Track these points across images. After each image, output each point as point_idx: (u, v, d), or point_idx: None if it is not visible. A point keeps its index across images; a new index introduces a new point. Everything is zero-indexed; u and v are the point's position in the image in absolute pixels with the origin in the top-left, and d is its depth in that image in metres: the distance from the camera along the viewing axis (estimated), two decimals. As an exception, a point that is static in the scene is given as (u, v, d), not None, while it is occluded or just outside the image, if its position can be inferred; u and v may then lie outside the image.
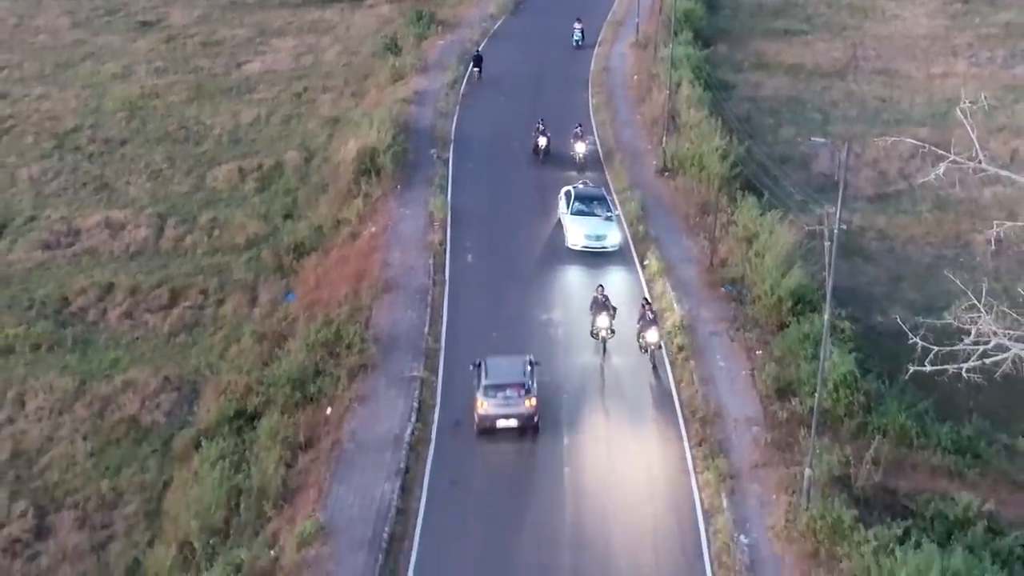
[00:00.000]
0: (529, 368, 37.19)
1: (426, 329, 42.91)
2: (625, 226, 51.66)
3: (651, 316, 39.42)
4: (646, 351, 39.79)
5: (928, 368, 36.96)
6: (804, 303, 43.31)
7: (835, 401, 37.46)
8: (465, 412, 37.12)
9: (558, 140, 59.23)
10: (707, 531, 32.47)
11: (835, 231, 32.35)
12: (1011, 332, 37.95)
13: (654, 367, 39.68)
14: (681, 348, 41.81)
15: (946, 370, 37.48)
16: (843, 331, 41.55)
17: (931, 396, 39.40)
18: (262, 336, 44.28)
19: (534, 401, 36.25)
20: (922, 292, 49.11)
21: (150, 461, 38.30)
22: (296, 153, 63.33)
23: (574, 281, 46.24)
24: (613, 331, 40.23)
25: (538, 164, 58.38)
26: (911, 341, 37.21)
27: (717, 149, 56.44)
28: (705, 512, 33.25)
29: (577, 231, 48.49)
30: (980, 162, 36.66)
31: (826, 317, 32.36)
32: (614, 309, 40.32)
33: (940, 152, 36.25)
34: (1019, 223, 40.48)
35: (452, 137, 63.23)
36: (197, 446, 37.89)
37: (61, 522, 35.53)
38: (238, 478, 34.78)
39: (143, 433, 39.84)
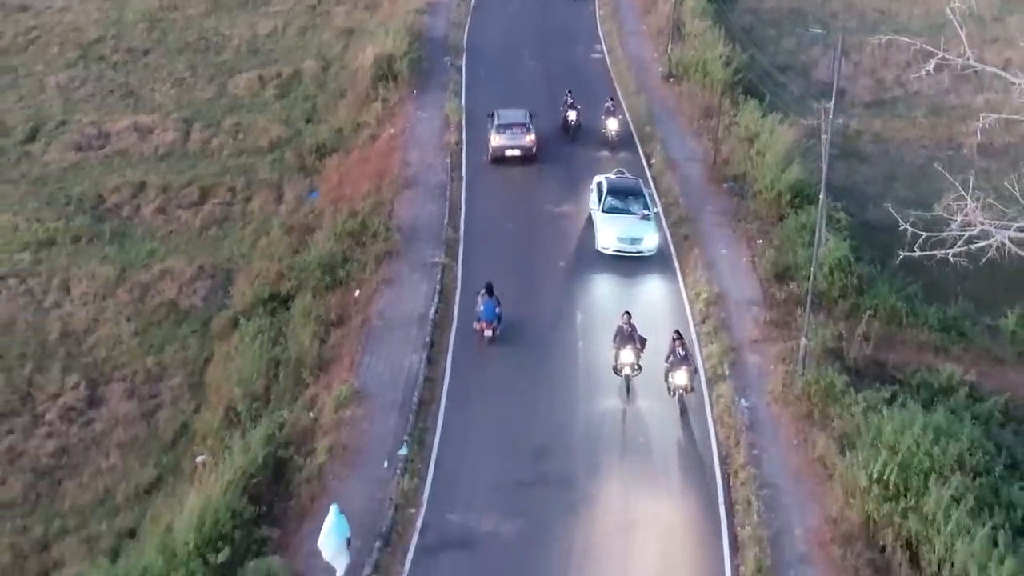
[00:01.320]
0: (529, 116, 50.32)
1: (445, 221, 45.30)
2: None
3: (682, 353, 32.95)
4: (674, 394, 33.64)
5: (917, 253, 39.38)
6: (802, 197, 45.68)
7: (830, 283, 39.90)
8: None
9: (583, 100, 54.11)
10: (710, 396, 34.90)
11: (831, 118, 34.45)
12: (996, 222, 40.41)
13: (682, 412, 33.64)
14: (686, 237, 44.27)
15: (934, 255, 39.88)
16: (839, 221, 43.97)
17: (919, 281, 41.79)
18: (290, 228, 46.63)
19: (533, 137, 49.88)
20: (914, 190, 51.35)
21: (190, 340, 40.67)
22: (313, 62, 65.32)
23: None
24: (640, 367, 34.03)
25: (568, 141, 52.56)
26: (901, 228, 39.66)
27: (720, 56, 58.55)
28: (708, 380, 35.72)
29: (608, 232, 41.87)
30: (968, 59, 38.85)
31: (821, 198, 34.78)
32: (643, 340, 34.14)
33: (931, 50, 38.39)
34: (1004, 115, 42.60)
35: (464, 46, 65.38)
36: (234, 326, 40.39)
37: (111, 393, 37.94)
38: (276, 350, 37.30)
39: (182, 315, 42.19)
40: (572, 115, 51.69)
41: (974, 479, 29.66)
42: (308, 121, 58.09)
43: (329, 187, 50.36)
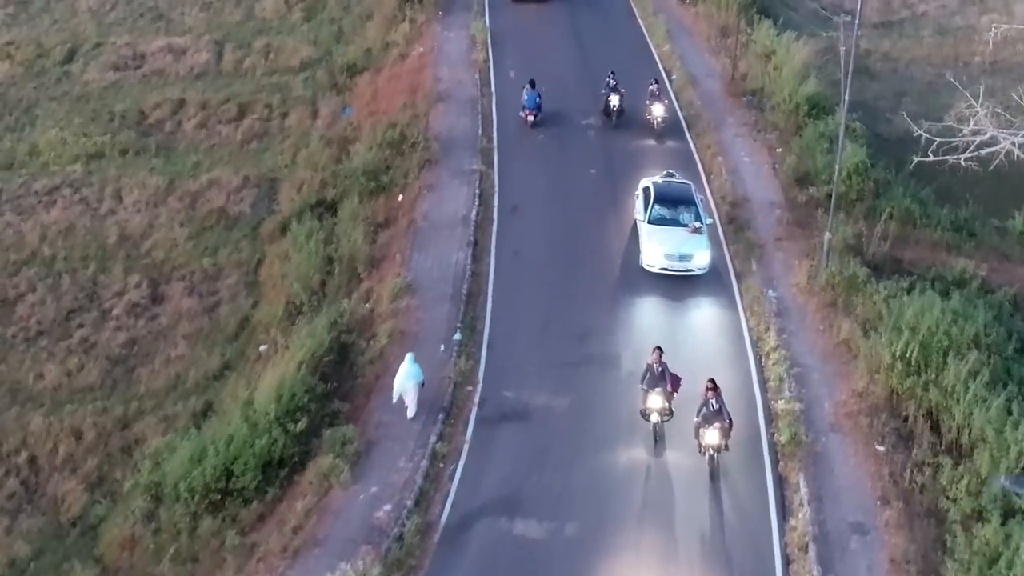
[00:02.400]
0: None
1: (479, 132, 47.36)
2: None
3: (716, 406, 28.16)
4: (704, 453, 28.99)
5: (931, 158, 41.57)
6: (819, 109, 47.83)
7: (848, 186, 42.04)
8: (520, 198, 42.21)
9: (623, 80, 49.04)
10: (739, 287, 37.16)
11: (856, 24, 36.43)
12: (1004, 130, 42.61)
13: (712, 475, 28.64)
14: (709, 146, 46.36)
15: (946, 161, 42.10)
16: (855, 130, 46.07)
17: (931, 186, 44.02)
18: (329, 141, 48.61)
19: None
20: (923, 105, 53.28)
21: (242, 243, 42.76)
22: (337, -15, 66.83)
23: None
24: (671, 412, 29.68)
25: (609, 127, 48.04)
26: (916, 135, 41.81)
27: (735, -23, 60.32)
28: (737, 274, 37.96)
29: (654, 248, 36.44)
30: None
31: (844, 99, 36.96)
32: (676, 380, 29.66)
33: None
34: (1015, 25, 44.59)
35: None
36: (283, 230, 42.50)
37: (172, 291, 40.08)
38: (329, 249, 39.40)
39: (232, 221, 44.25)
40: (615, 99, 46.74)
41: (988, 357, 31.92)
42: (337, 42, 59.77)
43: (363, 103, 52.23)
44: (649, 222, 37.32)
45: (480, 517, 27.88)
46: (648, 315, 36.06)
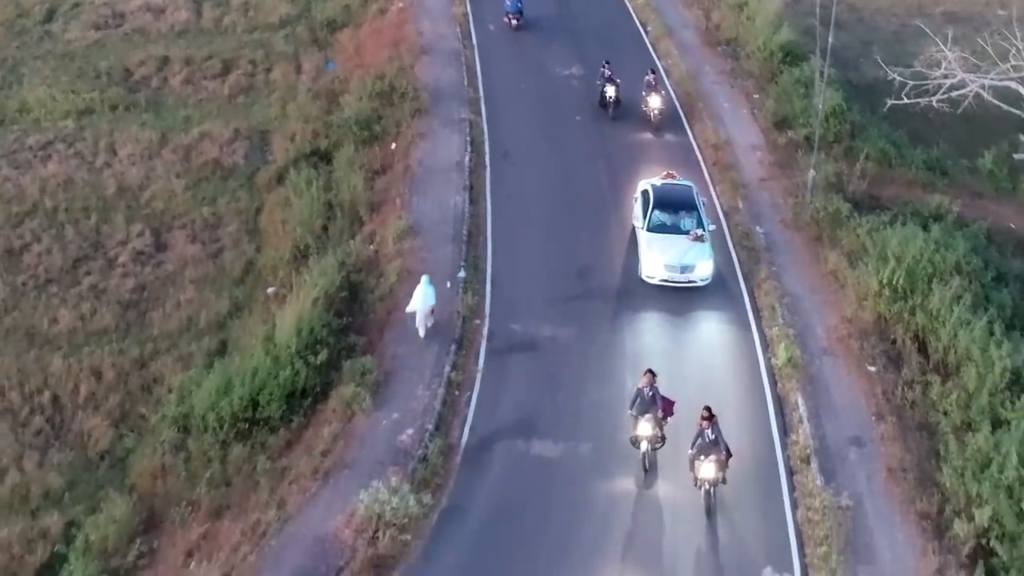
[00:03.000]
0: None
1: (465, 82, 48.49)
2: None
3: (711, 437, 26.04)
4: (700, 487, 26.62)
5: (905, 101, 43.37)
6: (793, 56, 49.27)
7: (826, 129, 43.52)
8: (510, 145, 43.72)
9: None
10: (728, 224, 38.62)
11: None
12: (972, 74, 44.42)
13: (708, 511, 26.57)
14: (688, 93, 47.73)
15: (918, 103, 43.92)
16: (830, 76, 47.47)
17: (904, 128, 45.69)
18: (317, 94, 49.53)
19: None
20: (890, 53, 54.59)
21: (239, 192, 43.66)
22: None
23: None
24: (663, 439, 27.63)
25: (606, 120, 45.76)
26: (889, 79, 43.57)
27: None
28: (725, 212, 39.43)
29: (654, 258, 34.19)
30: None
31: (829, 41, 38.29)
32: (669, 405, 27.66)
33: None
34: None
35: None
36: (279, 179, 43.46)
37: (174, 239, 40.95)
38: (329, 195, 40.44)
39: (227, 172, 45.10)
40: (611, 90, 44.44)
41: (970, 283, 33.60)
42: (314, -2, 60.41)
43: (346, 57, 53.14)
44: (648, 229, 34.84)
45: (498, 439, 29.19)
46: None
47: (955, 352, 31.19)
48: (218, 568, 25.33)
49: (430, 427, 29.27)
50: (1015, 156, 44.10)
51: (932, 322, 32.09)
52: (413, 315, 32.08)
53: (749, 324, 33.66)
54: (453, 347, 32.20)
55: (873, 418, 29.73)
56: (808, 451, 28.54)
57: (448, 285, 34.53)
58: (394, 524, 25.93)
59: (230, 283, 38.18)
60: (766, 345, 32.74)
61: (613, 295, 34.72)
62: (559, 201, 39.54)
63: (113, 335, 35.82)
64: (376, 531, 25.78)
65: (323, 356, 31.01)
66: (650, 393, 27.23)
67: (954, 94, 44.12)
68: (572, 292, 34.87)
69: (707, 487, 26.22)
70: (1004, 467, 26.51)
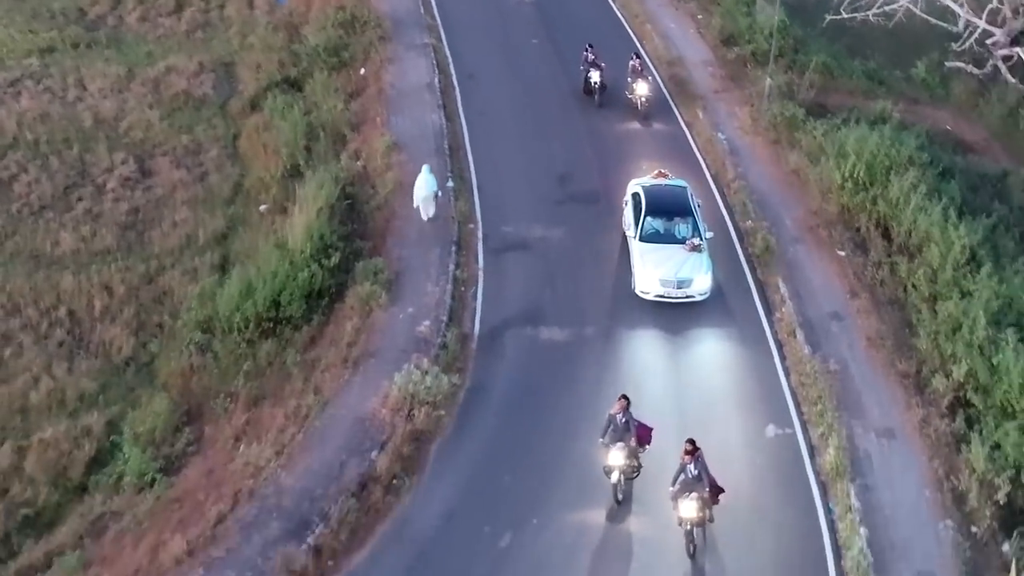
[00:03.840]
0: None
1: (421, 11, 50.17)
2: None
3: (694, 472, 23.67)
4: (682, 526, 23.88)
5: (842, 15, 45.94)
6: (734, -23, 51.46)
7: (770, 45, 45.89)
8: (473, 67, 45.49)
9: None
10: (691, 133, 40.93)
11: None
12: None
13: (691, 553, 23.96)
14: (636, 15, 49.91)
15: (855, 18, 46.49)
16: (771, -6, 49.99)
17: (842, 42, 48.36)
18: (277, 27, 50.63)
19: None
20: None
21: (214, 120, 44.73)
22: None
23: None
24: (638, 467, 25.19)
25: (592, 107, 42.65)
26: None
27: None
28: (687, 122, 41.79)
29: (649, 273, 31.26)
30: None
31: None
32: (645, 432, 25.45)
33: None
34: None
35: None
36: (252, 107, 44.68)
37: (159, 166, 42.03)
38: (310, 117, 41.85)
39: (199, 102, 46.11)
40: (596, 76, 41.55)
41: (923, 174, 36.19)
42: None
43: (296, -8, 54.16)
44: (641, 239, 31.91)
45: (507, 328, 31.20)
46: (613, 147, 39.70)
47: (916, 235, 33.67)
48: (270, 447, 26.90)
49: (444, 319, 31.08)
50: (947, 64, 46.90)
51: (893, 209, 34.57)
52: (417, 208, 34.48)
53: (724, 219, 35.81)
54: (453, 248, 34.00)
55: (848, 295, 32.17)
56: (793, 325, 30.92)
57: (439, 194, 36.06)
58: (427, 402, 27.74)
59: (221, 203, 39.39)
60: (742, 237, 34.96)
61: (592, 199, 36.52)
62: (529, 115, 41.45)
63: (116, 254, 36.82)
64: (411, 409, 27.54)
65: (336, 259, 32.67)
66: (623, 419, 24.81)
67: (887, 8, 46.77)
68: (555, 197, 36.87)
69: (689, 527, 23.44)
70: (974, 329, 29.10)
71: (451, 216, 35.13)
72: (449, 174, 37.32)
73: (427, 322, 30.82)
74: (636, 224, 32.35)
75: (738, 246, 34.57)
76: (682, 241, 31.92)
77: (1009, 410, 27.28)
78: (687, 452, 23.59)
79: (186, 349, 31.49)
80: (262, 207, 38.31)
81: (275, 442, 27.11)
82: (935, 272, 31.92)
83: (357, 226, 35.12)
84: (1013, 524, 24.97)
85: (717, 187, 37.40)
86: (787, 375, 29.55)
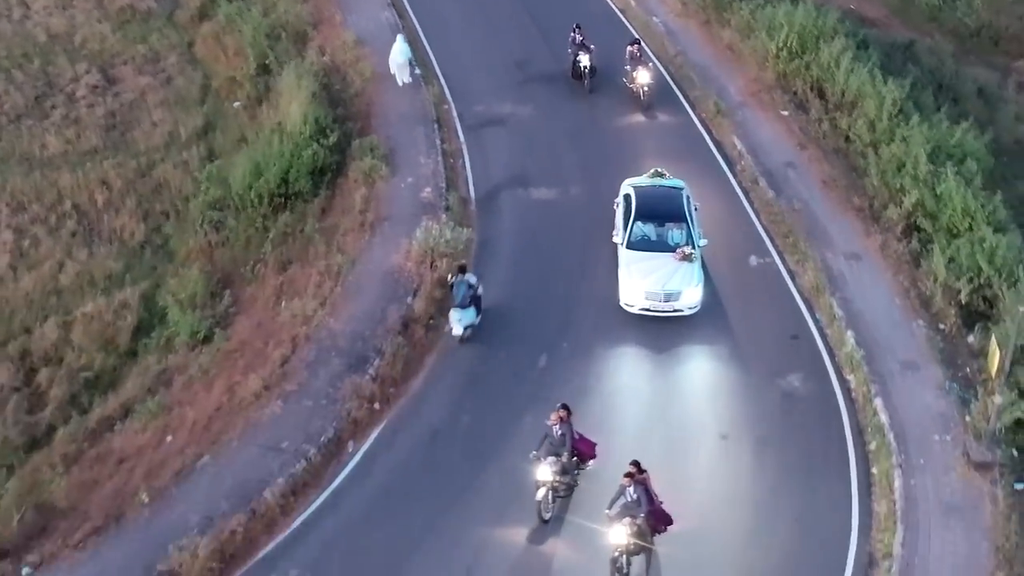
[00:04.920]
0: None
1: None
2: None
3: (633, 496, 21.41)
4: (619, 555, 21.32)
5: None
6: None
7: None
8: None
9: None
10: (626, 17, 43.76)
11: None
12: None
13: None
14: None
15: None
16: None
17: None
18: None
19: None
20: None
21: (165, 30, 45.85)
22: None
23: None
24: (571, 485, 23.08)
25: (583, 95, 38.67)
26: None
27: None
28: (620, 9, 44.53)
29: (635, 284, 28.38)
30: None
31: None
32: (591, 445, 23.60)
33: None
34: None
35: None
36: (200, 17, 46.09)
37: (122, 73, 43.17)
38: (269, 19, 43.51)
39: (145, 15, 47.03)
40: (585, 59, 37.85)
41: (847, 41, 39.58)
42: None
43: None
44: (627, 246, 29.02)
45: (500, 191, 33.89)
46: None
47: (849, 93, 37.10)
48: (312, 300, 29.22)
49: (443, 185, 33.58)
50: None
51: (825, 73, 37.96)
52: (394, 76, 37.22)
53: (673, 89, 38.80)
54: (435, 126, 36.37)
55: (797, 148, 35.56)
56: (755, 174, 34.23)
57: (410, 80, 38.29)
58: (447, 254, 30.23)
59: (193, 103, 40.92)
60: (693, 104, 38.05)
61: (554, 79, 39.29)
62: (476, 8, 43.61)
63: (105, 153, 38.20)
64: (432, 260, 30.04)
65: (333, 138, 34.83)
66: (559, 432, 22.66)
67: None
68: (516, 79, 39.41)
69: (617, 554, 21.02)
70: (916, 165, 32.69)
71: (426, 98, 37.36)
72: (412, 61, 39.28)
73: (428, 189, 33.23)
74: (625, 228, 29.27)
75: (692, 113, 37.45)
76: (673, 249, 28.85)
77: (955, 231, 30.81)
78: (627, 475, 21.21)
79: (201, 228, 33.36)
80: (236, 103, 39.95)
81: (316, 295, 29.36)
82: (872, 123, 35.29)
83: (341, 111, 36.97)
84: (973, 321, 28.46)
85: (661, 63, 40.07)
86: (757, 216, 32.79)
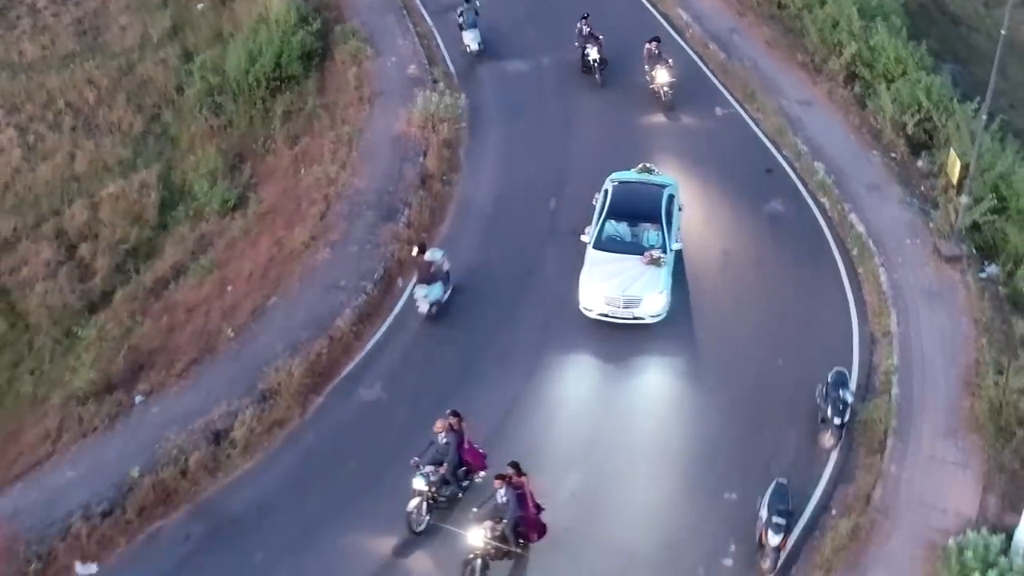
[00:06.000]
0: None
1: None
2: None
3: (502, 499, 19.75)
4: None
5: None
6: None
7: None
8: None
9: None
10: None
11: None
12: None
13: None
14: None
15: None
16: None
17: None
18: None
19: None
20: None
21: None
22: None
23: None
24: (449, 497, 21.19)
25: (595, 87, 35.01)
26: None
27: None
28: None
29: (594, 287, 25.73)
30: None
31: None
32: (479, 456, 21.48)
33: None
34: None
35: None
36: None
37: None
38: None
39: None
40: (593, 52, 34.57)
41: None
42: None
43: None
44: (595, 246, 26.37)
45: (477, 65, 36.21)
46: None
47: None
48: (332, 165, 31.38)
49: (425, 62, 35.82)
50: None
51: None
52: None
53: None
54: (404, 12, 38.47)
55: (737, 16, 38.52)
56: (704, 39, 37.18)
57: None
58: (446, 119, 32.62)
59: (156, 7, 41.98)
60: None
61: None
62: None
63: (83, 56, 39.20)
64: (434, 125, 32.42)
65: (316, 24, 36.68)
66: (444, 441, 20.79)
67: None
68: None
69: (471, 556, 19.50)
70: (851, 22, 36.01)
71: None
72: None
73: (413, 66, 35.46)
74: (596, 224, 26.68)
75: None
76: (641, 252, 26.04)
77: (890, 76, 34.28)
78: (500, 477, 19.60)
79: (200, 115, 35.01)
80: (199, 5, 41.33)
81: (335, 161, 31.50)
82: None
83: (315, 1, 38.74)
84: (918, 150, 32.05)
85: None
86: (714, 74, 35.77)
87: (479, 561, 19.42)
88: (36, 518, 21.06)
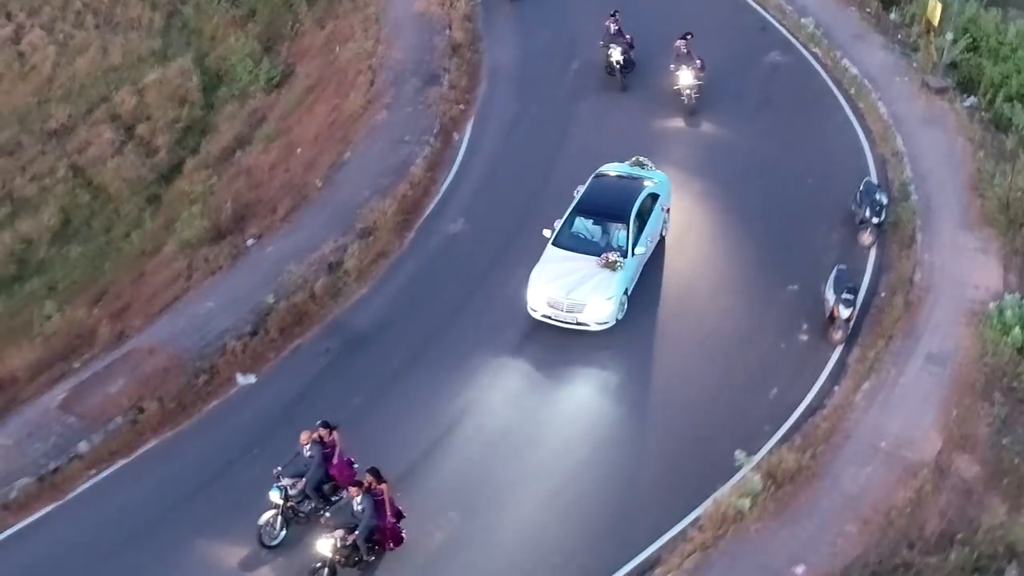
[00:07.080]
0: None
1: None
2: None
3: (359, 507, 18.06)
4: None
5: None
6: None
7: None
8: None
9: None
10: None
11: None
12: None
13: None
14: None
15: None
16: None
17: None
18: None
19: None
20: None
21: None
22: None
23: None
24: (310, 512, 19.10)
25: (616, 91, 31.45)
26: None
27: None
28: None
29: (539, 288, 23.29)
30: None
31: None
32: (351, 472, 19.09)
33: None
34: None
35: None
36: None
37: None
38: None
39: None
40: (616, 53, 30.98)
41: None
42: None
43: None
44: (553, 242, 24.01)
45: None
46: None
47: None
48: (366, 41, 33.34)
49: None
50: None
51: None
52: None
53: None
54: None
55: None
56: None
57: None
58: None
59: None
60: None
61: None
62: None
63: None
64: (451, 2, 34.52)
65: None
66: (309, 454, 18.92)
67: None
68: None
69: (318, 566, 17.92)
70: None
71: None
72: None
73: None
74: (562, 220, 24.28)
75: None
76: (600, 252, 23.65)
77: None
78: (357, 484, 18.11)
79: (220, 6, 36.47)
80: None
81: (368, 37, 33.42)
82: None
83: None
84: (889, 6, 35.22)
85: None
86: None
87: (326, 570, 17.86)
88: (191, 340, 22.95)
